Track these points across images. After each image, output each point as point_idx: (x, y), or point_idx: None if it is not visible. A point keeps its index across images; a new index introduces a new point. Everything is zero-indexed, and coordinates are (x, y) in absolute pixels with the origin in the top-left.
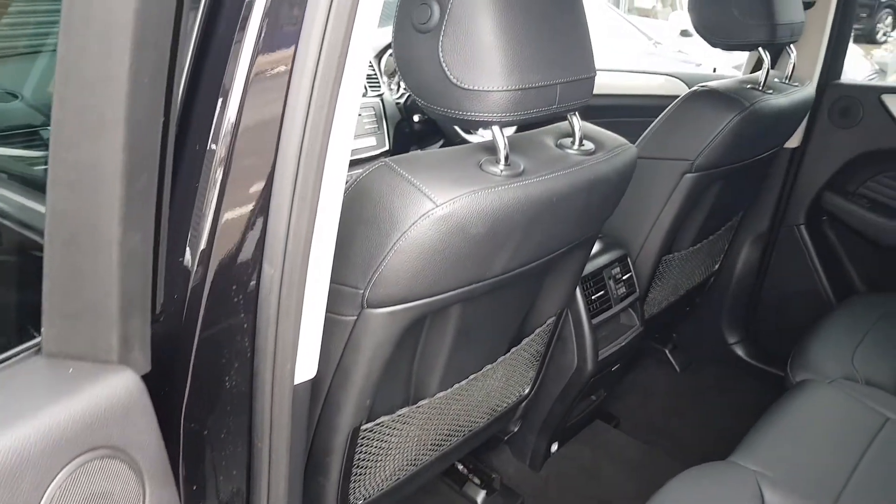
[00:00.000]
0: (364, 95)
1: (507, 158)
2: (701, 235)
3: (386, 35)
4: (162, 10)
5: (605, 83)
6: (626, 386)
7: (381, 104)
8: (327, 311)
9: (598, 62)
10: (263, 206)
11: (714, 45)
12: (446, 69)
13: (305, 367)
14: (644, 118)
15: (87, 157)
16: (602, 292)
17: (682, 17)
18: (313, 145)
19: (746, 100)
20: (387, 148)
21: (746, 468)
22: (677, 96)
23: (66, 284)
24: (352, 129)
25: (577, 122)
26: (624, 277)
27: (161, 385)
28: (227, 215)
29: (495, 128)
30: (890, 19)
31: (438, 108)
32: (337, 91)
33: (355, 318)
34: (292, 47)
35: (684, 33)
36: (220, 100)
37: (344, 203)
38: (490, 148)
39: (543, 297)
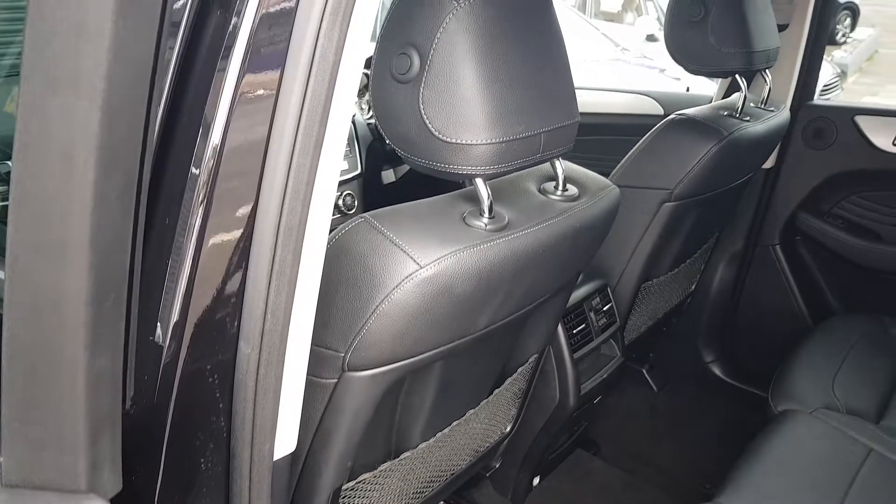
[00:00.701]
0: None
1: (490, 210)
2: (679, 260)
3: None
4: (130, 125)
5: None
6: (604, 408)
7: (352, 126)
8: (307, 373)
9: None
10: (240, 279)
11: (691, 72)
12: (427, 121)
13: (285, 442)
14: (616, 136)
15: (47, 280)
16: (583, 325)
17: (648, 22)
18: (292, 215)
19: (725, 129)
20: (359, 171)
21: None
22: (649, 115)
23: (27, 410)
24: (332, 201)
25: (561, 167)
26: (604, 308)
27: (133, 469)
28: (201, 289)
29: (478, 180)
30: (849, 20)
31: (420, 160)
32: (322, 143)
33: (336, 380)
34: (278, 70)
35: (650, 38)
36: (195, 150)
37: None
38: (473, 198)
39: (526, 338)
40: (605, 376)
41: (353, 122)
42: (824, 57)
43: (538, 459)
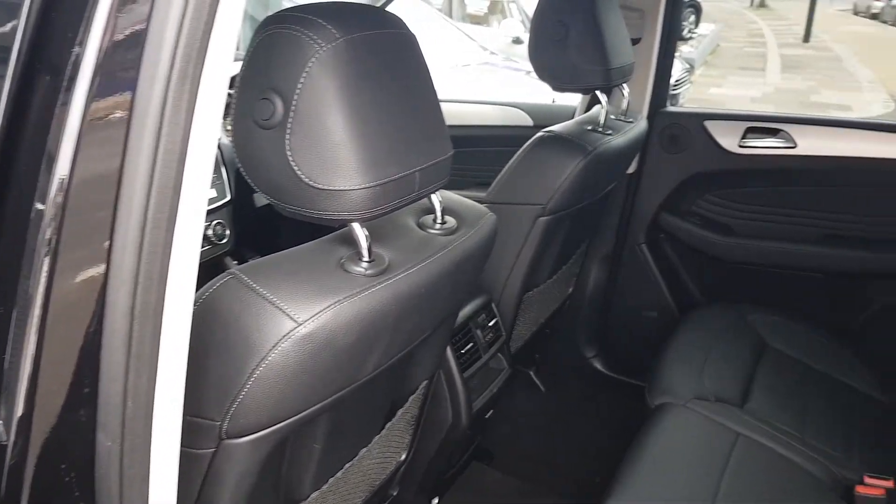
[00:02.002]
0: None
1: (370, 252)
2: (556, 267)
3: None
4: None
5: (450, 112)
6: (495, 414)
7: (218, 152)
8: (181, 445)
9: (442, 83)
10: (92, 365)
11: (555, 89)
12: (296, 168)
13: None
14: (489, 147)
15: None
16: (471, 344)
17: (513, 25)
18: (148, 296)
19: (589, 144)
20: (228, 198)
21: None
22: (519, 126)
23: None
24: (197, 253)
25: (438, 200)
26: (490, 324)
27: None
28: (48, 378)
29: (355, 225)
30: (693, 17)
31: (291, 207)
32: (182, 175)
33: (213, 450)
34: (128, 97)
35: (516, 41)
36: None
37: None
38: (350, 240)
39: (415, 368)
40: (494, 391)
41: (220, 147)
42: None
43: (435, 481)
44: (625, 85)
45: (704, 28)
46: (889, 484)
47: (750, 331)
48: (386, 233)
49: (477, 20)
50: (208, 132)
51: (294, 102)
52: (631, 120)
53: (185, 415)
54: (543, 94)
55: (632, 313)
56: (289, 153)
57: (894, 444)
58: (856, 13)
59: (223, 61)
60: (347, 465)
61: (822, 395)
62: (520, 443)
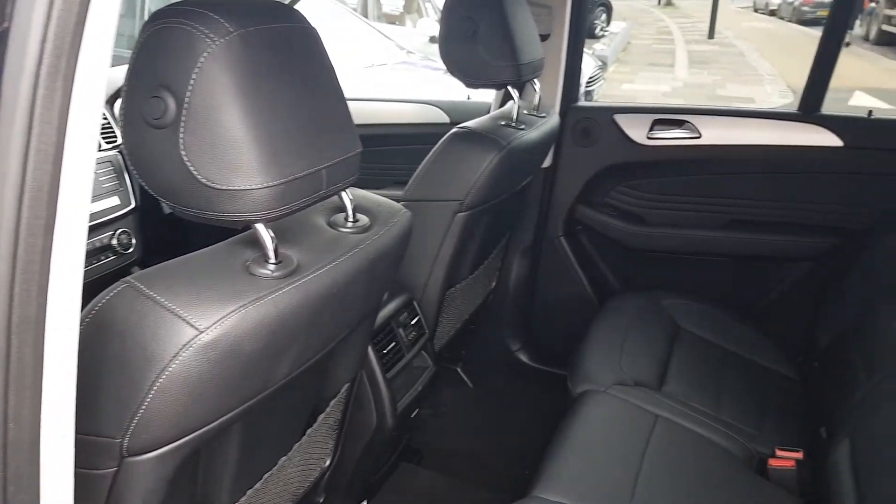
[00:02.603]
0: (99, 150)
1: (276, 254)
2: (477, 262)
3: (118, 74)
4: None
5: (366, 111)
6: (423, 412)
7: (119, 158)
8: (77, 467)
9: (359, 83)
10: None
11: (467, 85)
12: (192, 169)
13: None
14: (406, 146)
15: None
16: (394, 343)
17: (429, 24)
18: (26, 309)
19: (503, 139)
20: (133, 206)
21: (550, 500)
22: (436, 124)
23: None
24: (81, 257)
25: (348, 198)
26: (412, 322)
27: None
28: None
29: (259, 226)
30: (604, 16)
31: (190, 210)
32: (58, 184)
33: (115, 469)
34: None
35: (433, 40)
36: None
37: (81, 339)
38: (256, 242)
39: (335, 370)
40: (419, 389)
41: (121, 153)
42: (586, 51)
43: (363, 485)
44: (536, 80)
45: (616, 26)
46: (799, 455)
47: (665, 316)
48: (294, 233)
49: (392, 19)
50: (87, 131)
51: (187, 100)
52: (543, 115)
53: (80, 434)
54: (461, 92)
55: (553, 305)
56: (183, 153)
57: (803, 418)
58: (756, 10)
59: (101, 56)
60: (266, 475)
61: (734, 374)
62: (448, 440)
